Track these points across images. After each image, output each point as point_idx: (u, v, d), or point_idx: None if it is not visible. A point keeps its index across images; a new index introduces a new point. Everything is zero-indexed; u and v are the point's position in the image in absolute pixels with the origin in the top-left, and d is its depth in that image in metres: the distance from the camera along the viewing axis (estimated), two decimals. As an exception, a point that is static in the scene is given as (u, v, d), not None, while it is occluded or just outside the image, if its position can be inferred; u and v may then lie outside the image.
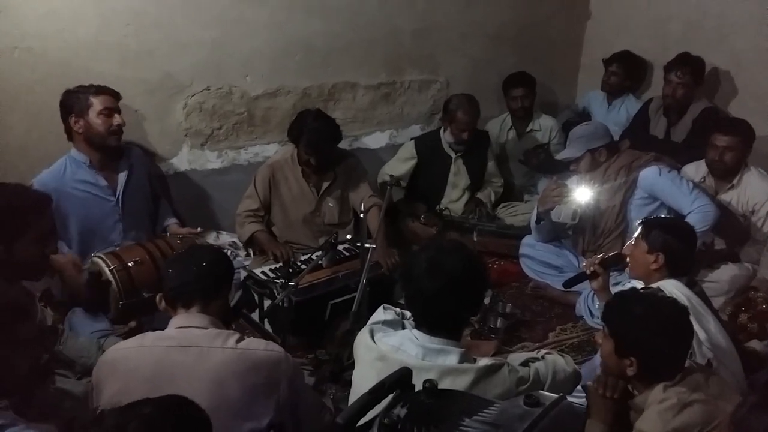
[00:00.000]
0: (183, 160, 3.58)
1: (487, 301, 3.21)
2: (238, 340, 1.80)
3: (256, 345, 1.83)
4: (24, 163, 3.06)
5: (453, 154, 4.02)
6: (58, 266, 2.61)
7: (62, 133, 2.88)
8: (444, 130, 3.99)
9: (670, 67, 3.80)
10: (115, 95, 2.89)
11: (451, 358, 1.71)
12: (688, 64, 3.75)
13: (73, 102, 2.81)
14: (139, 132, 3.37)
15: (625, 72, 4.31)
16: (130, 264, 2.56)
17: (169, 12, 3.26)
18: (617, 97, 4.40)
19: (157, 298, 1.92)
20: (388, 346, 1.77)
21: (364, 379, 1.74)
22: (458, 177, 4.07)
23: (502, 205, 4.22)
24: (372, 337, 1.82)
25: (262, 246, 3.35)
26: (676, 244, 2.38)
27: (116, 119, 2.85)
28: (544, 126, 4.33)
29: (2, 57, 2.95)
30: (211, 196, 3.71)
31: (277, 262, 3.19)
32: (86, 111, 2.80)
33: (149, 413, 1.23)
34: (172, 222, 3.19)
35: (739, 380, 2.29)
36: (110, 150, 2.90)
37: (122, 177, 2.97)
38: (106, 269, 2.53)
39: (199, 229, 3.06)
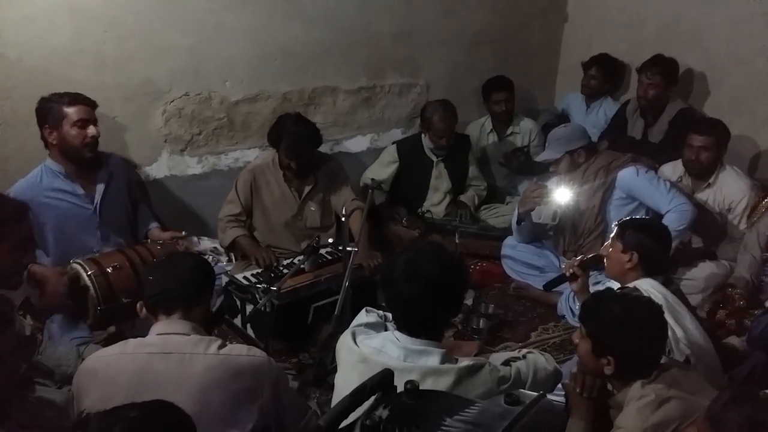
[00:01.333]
0: (163, 166, 3.55)
1: (469, 302, 3.23)
2: (221, 347, 1.79)
3: (238, 350, 1.82)
4: (0, 171, 3.02)
5: (434, 158, 4.04)
6: (41, 277, 2.58)
7: (39, 142, 2.83)
8: (424, 135, 4.01)
9: (641, 69, 3.87)
10: (91, 104, 2.81)
11: (433, 359, 1.72)
12: (657, 65, 3.81)
13: (47, 112, 2.73)
14: (118, 138, 3.35)
15: (604, 75, 4.36)
16: (108, 269, 2.54)
17: (148, 18, 3.24)
18: (595, 99, 4.44)
19: (138, 305, 1.91)
20: (370, 348, 1.77)
21: (346, 381, 1.75)
22: (439, 181, 4.09)
23: (483, 207, 4.25)
24: (354, 339, 1.83)
25: (244, 251, 3.34)
26: (649, 243, 2.42)
27: (91, 130, 2.77)
28: (523, 128, 4.37)
29: (-24, 64, 2.92)
30: (191, 202, 3.69)
31: (260, 267, 3.18)
32: (60, 122, 2.72)
33: (134, 417, 1.22)
34: (153, 226, 3.13)
35: (718, 376, 2.33)
36: (86, 161, 2.83)
37: (100, 186, 2.91)
38: (84, 274, 2.51)
39: (183, 232, 3.02)
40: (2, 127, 3.04)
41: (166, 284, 1.84)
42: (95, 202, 2.90)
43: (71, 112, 2.73)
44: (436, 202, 4.11)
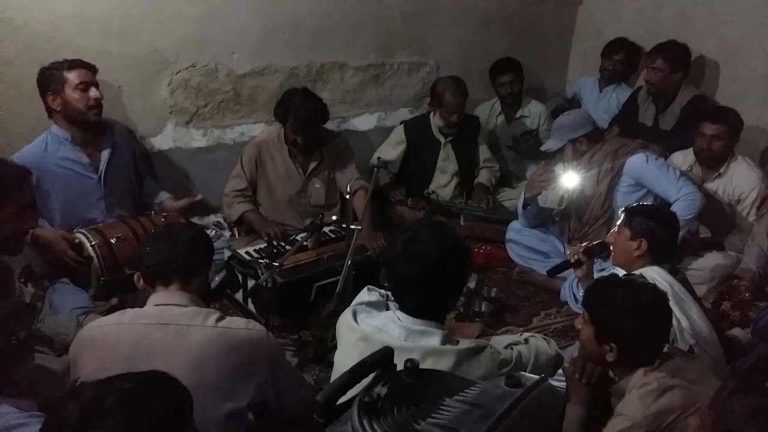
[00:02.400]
0: (168, 137, 3.52)
1: (472, 285, 3.21)
2: (219, 319, 1.78)
3: (236, 324, 1.80)
4: (3, 138, 2.99)
5: (442, 139, 3.99)
6: (44, 240, 2.57)
7: (43, 108, 2.80)
8: (433, 114, 3.96)
9: (648, 54, 3.83)
10: (91, 68, 2.79)
11: (434, 340, 1.70)
12: (661, 51, 3.75)
13: (48, 79, 2.72)
14: (123, 108, 3.32)
15: (629, 60, 4.30)
16: (112, 240, 2.53)
17: (155, -14, 3.20)
18: (609, 83, 4.38)
19: (135, 276, 1.89)
20: (371, 327, 1.76)
21: (346, 359, 1.73)
22: (447, 162, 4.05)
23: (492, 190, 4.22)
24: (355, 317, 1.81)
25: (253, 225, 3.32)
26: (658, 230, 2.38)
27: (93, 92, 2.76)
28: (533, 112, 4.32)
29: (-19, 28, 2.88)
30: (196, 175, 3.66)
31: (272, 240, 3.15)
32: (62, 87, 2.71)
33: (128, 388, 1.20)
34: (166, 197, 3.12)
35: (721, 367, 2.31)
36: (91, 126, 2.82)
37: (105, 154, 2.90)
38: (88, 245, 2.50)
39: (199, 196, 2.99)
40: (6, 93, 3.01)
41: (164, 255, 1.82)
42: (100, 171, 2.88)
43: (72, 76, 2.72)
44: (443, 183, 4.07)
